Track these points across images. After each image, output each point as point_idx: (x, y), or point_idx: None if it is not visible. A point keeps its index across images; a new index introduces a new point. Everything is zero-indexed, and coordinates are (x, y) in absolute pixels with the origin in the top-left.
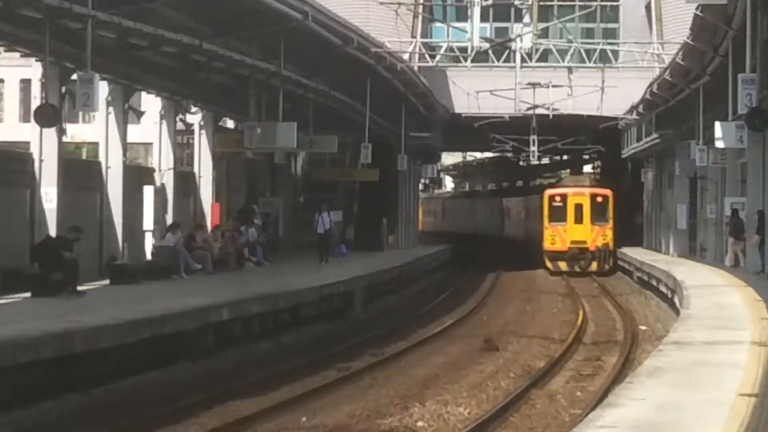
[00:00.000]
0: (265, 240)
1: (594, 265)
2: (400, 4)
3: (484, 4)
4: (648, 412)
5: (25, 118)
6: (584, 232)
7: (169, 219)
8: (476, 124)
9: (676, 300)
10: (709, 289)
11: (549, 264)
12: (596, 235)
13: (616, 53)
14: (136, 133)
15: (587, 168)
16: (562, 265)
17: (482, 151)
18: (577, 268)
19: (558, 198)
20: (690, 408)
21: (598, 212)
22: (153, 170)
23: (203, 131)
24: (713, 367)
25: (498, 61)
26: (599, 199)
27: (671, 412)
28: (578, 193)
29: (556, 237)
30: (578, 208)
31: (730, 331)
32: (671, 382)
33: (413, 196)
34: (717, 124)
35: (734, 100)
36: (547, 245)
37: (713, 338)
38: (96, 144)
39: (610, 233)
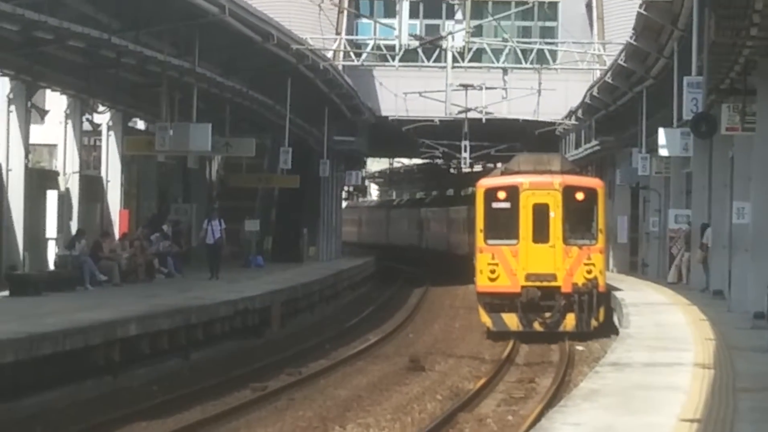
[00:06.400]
0: (177, 250)
1: (570, 320)
2: None
3: None
4: None
5: None
6: (552, 257)
7: (74, 226)
8: (404, 128)
9: (615, 319)
10: (651, 307)
11: (486, 317)
12: (574, 264)
13: (554, 54)
14: (39, 133)
15: None
16: (510, 321)
17: (410, 157)
18: (538, 326)
19: (503, 194)
20: None
21: (579, 221)
22: (57, 174)
23: (111, 132)
24: (653, 390)
25: (428, 60)
26: (580, 195)
27: None
28: (541, 185)
29: (500, 267)
30: (540, 212)
31: (671, 352)
32: (608, 405)
33: (336, 205)
34: (661, 131)
35: (679, 105)
36: (482, 282)
37: (653, 360)
38: None
39: (600, 261)
